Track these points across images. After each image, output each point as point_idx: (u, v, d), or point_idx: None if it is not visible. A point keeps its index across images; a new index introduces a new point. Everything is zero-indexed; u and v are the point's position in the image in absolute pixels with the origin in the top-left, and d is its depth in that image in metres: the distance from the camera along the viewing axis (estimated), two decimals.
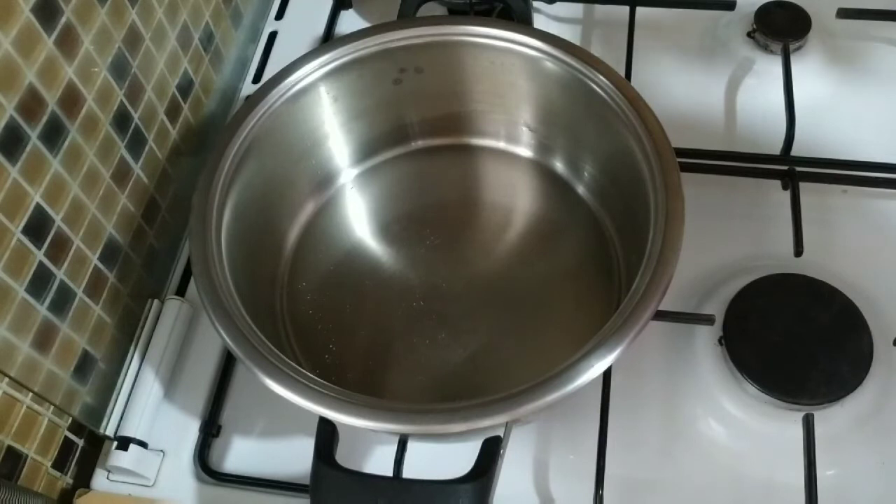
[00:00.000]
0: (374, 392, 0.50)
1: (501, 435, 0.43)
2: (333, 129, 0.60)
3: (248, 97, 0.56)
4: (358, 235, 0.61)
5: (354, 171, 0.63)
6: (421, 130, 0.63)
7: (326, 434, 0.44)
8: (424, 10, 0.67)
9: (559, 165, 0.61)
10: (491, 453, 0.42)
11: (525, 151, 0.62)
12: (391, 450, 0.46)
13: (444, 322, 0.56)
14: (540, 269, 0.58)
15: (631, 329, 0.43)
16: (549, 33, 0.56)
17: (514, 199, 0.62)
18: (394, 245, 0.60)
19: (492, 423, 0.42)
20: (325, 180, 0.62)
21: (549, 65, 0.55)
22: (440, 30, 0.57)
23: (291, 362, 0.45)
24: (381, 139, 0.63)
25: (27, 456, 0.49)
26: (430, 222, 0.61)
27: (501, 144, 0.63)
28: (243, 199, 0.53)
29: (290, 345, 0.55)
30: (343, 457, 0.43)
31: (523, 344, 0.55)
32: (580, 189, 0.60)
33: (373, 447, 0.53)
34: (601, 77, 0.53)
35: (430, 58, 0.58)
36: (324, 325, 0.57)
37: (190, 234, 0.49)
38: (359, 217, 0.62)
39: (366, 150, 0.62)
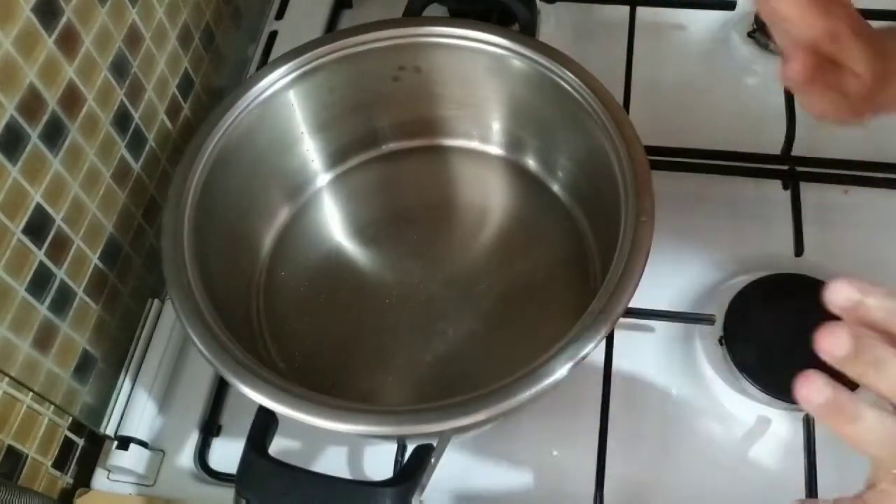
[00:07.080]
0: (347, 394, 0.50)
1: (434, 444, 0.42)
2: (304, 135, 0.59)
3: (213, 108, 0.55)
4: (334, 240, 0.60)
5: (328, 176, 0.62)
6: (392, 133, 0.62)
7: (263, 423, 0.44)
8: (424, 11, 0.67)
9: (533, 163, 0.61)
10: (420, 460, 0.42)
11: (498, 150, 0.62)
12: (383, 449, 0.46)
13: (420, 323, 0.55)
14: (516, 267, 0.58)
15: (601, 326, 0.43)
16: (516, 32, 0.56)
17: (488, 198, 0.62)
18: (370, 248, 0.59)
19: (429, 431, 0.42)
20: (298, 186, 0.61)
21: (518, 63, 0.55)
22: (413, 31, 0.57)
23: (256, 362, 0.44)
24: (352, 143, 0.62)
25: (27, 456, 0.49)
26: (406, 224, 0.60)
27: (474, 144, 0.62)
28: (216, 208, 0.52)
29: (266, 348, 0.55)
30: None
31: (501, 342, 0.54)
32: (555, 186, 0.60)
33: (368, 447, 0.53)
34: (570, 74, 0.53)
35: (402, 60, 0.58)
36: (300, 328, 0.56)
37: (163, 254, 0.48)
38: (334, 221, 0.61)
39: (338, 155, 0.62)
